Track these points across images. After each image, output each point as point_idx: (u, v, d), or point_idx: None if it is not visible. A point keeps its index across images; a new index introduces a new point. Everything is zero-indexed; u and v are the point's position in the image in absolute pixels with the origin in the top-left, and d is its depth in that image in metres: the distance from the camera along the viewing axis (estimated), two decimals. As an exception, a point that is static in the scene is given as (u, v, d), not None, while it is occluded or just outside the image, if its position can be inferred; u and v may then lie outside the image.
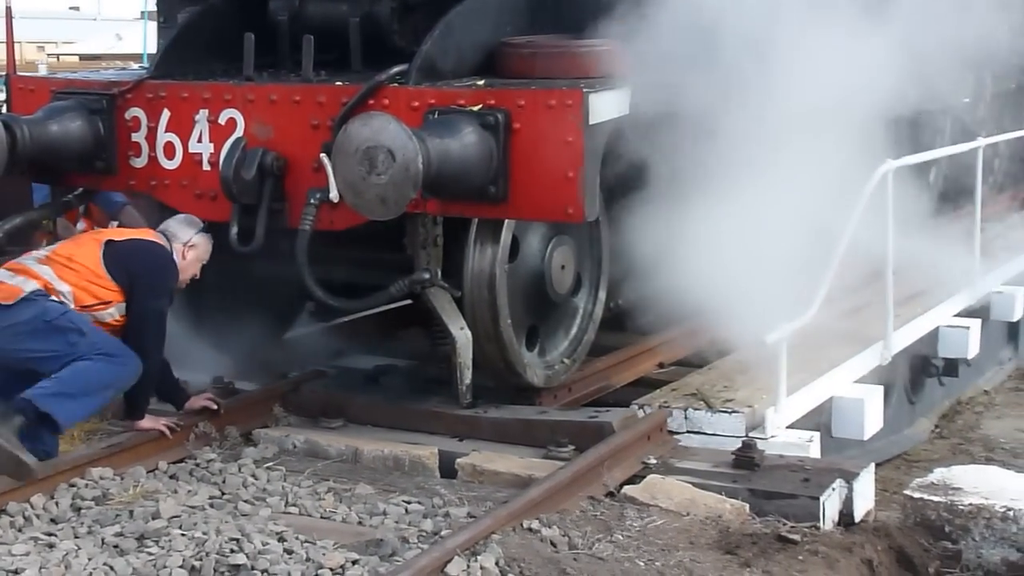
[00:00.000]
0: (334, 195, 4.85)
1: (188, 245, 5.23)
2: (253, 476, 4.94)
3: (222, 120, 5.36)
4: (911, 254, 6.86)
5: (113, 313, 4.99)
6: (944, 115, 8.53)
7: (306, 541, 4.29)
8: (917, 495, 5.00)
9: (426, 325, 6.07)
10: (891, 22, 6.03)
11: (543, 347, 5.78)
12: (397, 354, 6.36)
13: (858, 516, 4.90)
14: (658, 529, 4.52)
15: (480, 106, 4.88)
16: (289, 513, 4.65)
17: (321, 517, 4.61)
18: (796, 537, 4.50)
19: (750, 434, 5.29)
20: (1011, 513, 4.83)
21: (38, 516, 4.51)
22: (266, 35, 5.67)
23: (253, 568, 4.08)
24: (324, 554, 4.18)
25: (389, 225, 4.99)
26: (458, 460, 5.08)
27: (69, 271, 4.94)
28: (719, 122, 5.25)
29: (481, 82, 5.16)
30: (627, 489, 4.82)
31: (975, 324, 7.58)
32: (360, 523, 4.56)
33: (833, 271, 5.67)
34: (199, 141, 5.42)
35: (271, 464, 5.11)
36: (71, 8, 30.06)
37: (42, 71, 12.29)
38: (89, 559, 4.12)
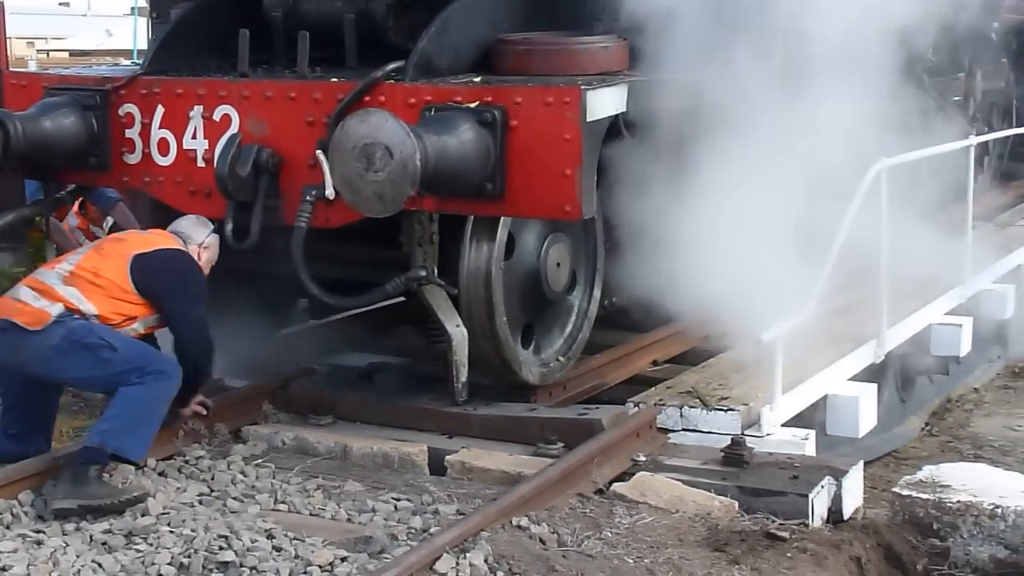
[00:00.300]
0: (330, 192, 4.80)
1: (203, 246, 5.13)
2: (242, 473, 4.89)
3: (217, 116, 5.30)
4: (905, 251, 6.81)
5: (138, 328, 4.87)
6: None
7: (295, 538, 4.25)
8: (906, 492, 4.97)
9: (419, 323, 6.02)
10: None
11: (538, 345, 5.74)
12: (389, 352, 6.30)
13: (847, 513, 4.87)
14: (647, 526, 4.48)
15: (477, 103, 4.82)
16: (278, 510, 4.60)
17: (310, 514, 4.57)
18: (785, 534, 4.47)
19: (746, 432, 5.25)
20: (999, 510, 4.80)
21: (25, 513, 4.46)
22: (260, 31, 5.60)
23: (242, 565, 4.04)
24: (313, 551, 4.14)
25: (384, 222, 4.92)
26: (447, 457, 5.03)
27: (95, 288, 4.79)
28: (717, 118, 5.21)
29: (478, 79, 5.10)
30: (616, 486, 4.78)
31: (967, 322, 7.54)
32: (349, 520, 4.51)
33: (829, 269, 5.62)
34: (193, 138, 5.35)
35: (260, 461, 5.06)
36: (61, 4, 29.99)
37: (32, 67, 12.24)
38: (77, 556, 4.08)
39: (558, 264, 5.65)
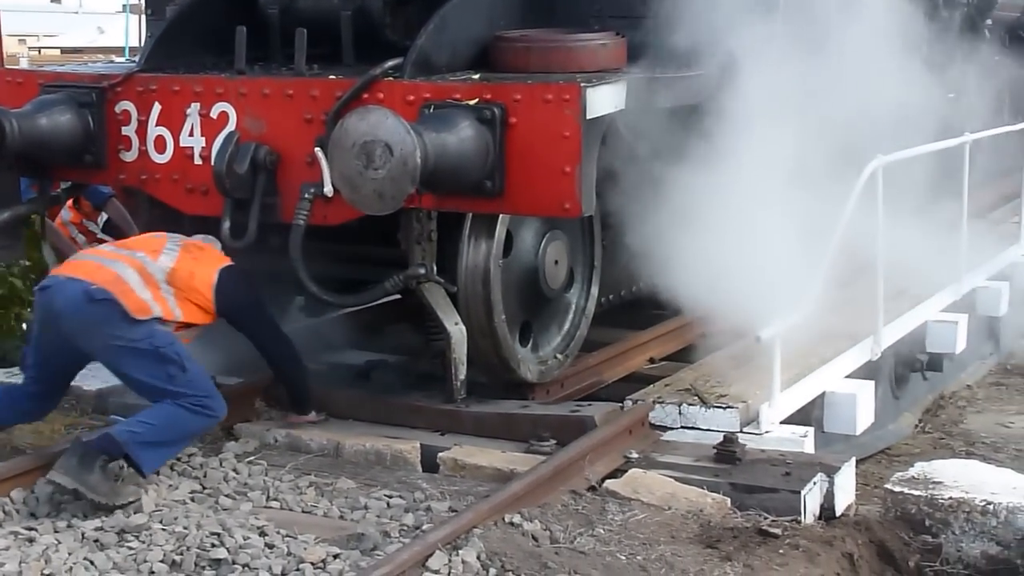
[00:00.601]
0: (328, 190, 4.75)
1: None
2: (234, 470, 4.84)
3: (214, 114, 5.23)
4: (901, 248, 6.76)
5: (188, 333, 4.82)
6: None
7: (287, 535, 4.20)
8: (898, 489, 4.93)
9: (415, 321, 5.96)
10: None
11: (536, 342, 5.68)
12: (386, 350, 6.23)
13: (839, 510, 4.83)
14: (639, 523, 4.44)
15: (476, 100, 4.75)
16: (270, 507, 4.55)
17: (302, 511, 4.52)
18: (777, 531, 4.44)
19: (744, 429, 5.20)
20: (991, 507, 4.76)
21: (17, 510, 4.40)
22: (256, 29, 5.54)
23: (234, 562, 4.00)
24: (305, 548, 4.10)
25: (382, 220, 4.86)
26: (440, 454, 4.98)
27: (188, 292, 4.74)
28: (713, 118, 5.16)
29: (476, 76, 5.04)
30: (609, 483, 4.73)
31: (963, 319, 7.48)
32: (341, 517, 4.46)
33: (827, 266, 5.57)
34: (190, 135, 5.28)
35: (252, 458, 5.01)
36: (52, 1, 29.85)
37: (23, 64, 12.18)
38: (69, 553, 4.02)
39: (556, 262, 5.60)
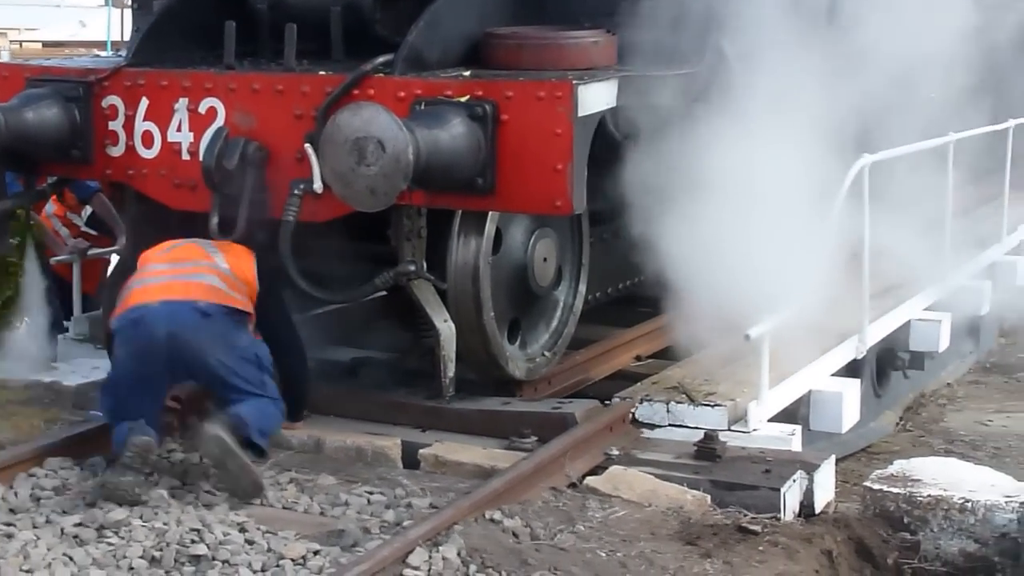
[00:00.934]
0: (318, 186, 4.67)
1: None
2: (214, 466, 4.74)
3: (202, 109, 5.14)
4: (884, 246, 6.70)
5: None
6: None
7: (267, 532, 4.15)
8: (877, 487, 4.90)
9: (403, 318, 5.89)
10: None
11: (524, 340, 5.62)
12: (373, 347, 6.16)
13: (818, 507, 4.79)
14: (620, 520, 4.40)
15: (468, 97, 4.68)
16: (251, 504, 4.47)
17: (283, 508, 4.46)
18: (757, 528, 4.40)
19: (732, 427, 5.15)
20: (969, 504, 4.73)
21: (-4, 506, 4.35)
22: (245, 23, 5.45)
23: (214, 559, 3.94)
24: (285, 545, 4.04)
25: (372, 217, 4.79)
26: (421, 451, 4.92)
27: (246, 285, 4.72)
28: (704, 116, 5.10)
29: (467, 73, 4.97)
30: (589, 480, 4.69)
31: (946, 318, 7.42)
32: (322, 514, 4.41)
33: (816, 265, 5.50)
34: (178, 130, 5.20)
35: (233, 454, 4.93)
36: (33, -7, 29.40)
37: (4, 58, 12.03)
38: (48, 549, 3.96)
39: (545, 259, 5.55)
